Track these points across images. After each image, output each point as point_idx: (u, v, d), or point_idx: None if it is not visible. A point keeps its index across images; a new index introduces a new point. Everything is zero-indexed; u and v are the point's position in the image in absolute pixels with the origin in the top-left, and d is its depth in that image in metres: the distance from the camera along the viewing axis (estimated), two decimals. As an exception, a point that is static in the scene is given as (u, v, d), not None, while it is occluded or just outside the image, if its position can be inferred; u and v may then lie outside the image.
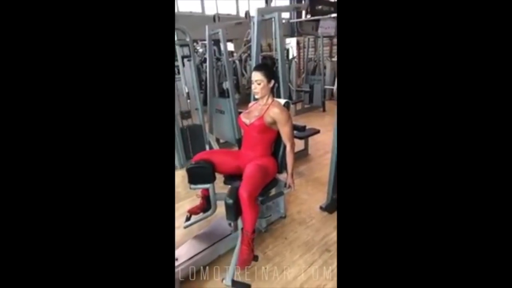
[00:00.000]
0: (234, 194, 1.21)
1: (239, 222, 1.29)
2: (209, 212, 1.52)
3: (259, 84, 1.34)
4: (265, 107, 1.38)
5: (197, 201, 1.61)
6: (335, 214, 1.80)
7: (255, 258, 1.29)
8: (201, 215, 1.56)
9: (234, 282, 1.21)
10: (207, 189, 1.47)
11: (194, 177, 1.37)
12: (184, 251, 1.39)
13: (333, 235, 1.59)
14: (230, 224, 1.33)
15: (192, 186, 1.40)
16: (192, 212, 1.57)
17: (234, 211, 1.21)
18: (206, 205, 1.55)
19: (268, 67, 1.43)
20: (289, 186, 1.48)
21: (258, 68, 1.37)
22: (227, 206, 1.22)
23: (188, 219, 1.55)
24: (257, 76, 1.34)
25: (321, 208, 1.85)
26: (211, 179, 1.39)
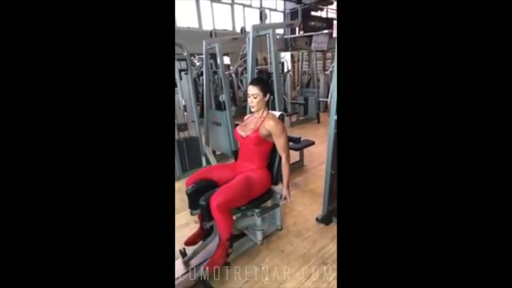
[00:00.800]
0: (207, 198, 1.24)
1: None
2: (210, 237, 1.36)
3: (255, 98, 1.38)
4: (260, 120, 1.41)
5: (194, 227, 1.53)
6: (331, 226, 1.80)
7: (226, 264, 1.35)
8: (200, 243, 1.41)
9: (201, 281, 1.27)
10: None
11: (197, 200, 1.26)
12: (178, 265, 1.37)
13: (330, 247, 1.59)
14: (205, 225, 1.29)
15: (194, 211, 1.33)
16: (189, 243, 1.44)
17: (207, 214, 1.25)
18: (205, 231, 1.41)
19: (264, 81, 1.47)
20: (285, 198, 1.48)
21: (254, 82, 1.41)
22: (200, 207, 1.26)
23: (183, 254, 1.40)
24: (253, 90, 1.38)
25: (317, 219, 1.84)
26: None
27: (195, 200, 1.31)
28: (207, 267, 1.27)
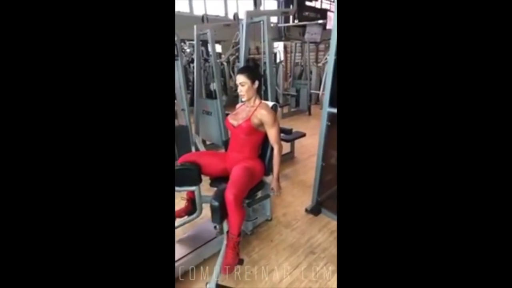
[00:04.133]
0: (220, 196, 1.19)
1: (225, 225, 1.28)
2: (194, 215, 1.48)
3: (243, 85, 1.36)
4: (252, 109, 1.39)
5: (182, 204, 1.58)
6: (320, 217, 1.83)
7: (240, 262, 1.28)
8: (185, 218, 1.51)
9: (218, 286, 1.19)
10: (192, 192, 1.44)
11: (180, 179, 1.33)
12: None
13: (318, 237, 1.62)
14: (215, 227, 1.30)
15: (177, 188, 1.37)
16: (176, 215, 1.52)
17: (220, 213, 1.20)
18: (191, 207, 1.51)
19: (250, 68, 1.45)
20: (275, 189, 1.47)
21: (241, 70, 1.39)
22: (213, 208, 1.20)
23: None
24: (240, 78, 1.36)
25: (306, 210, 1.87)
26: (197, 181, 1.37)
27: (177, 178, 1.31)
28: (224, 271, 1.21)
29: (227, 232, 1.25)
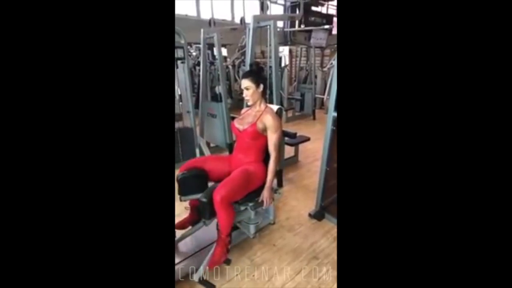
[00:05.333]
0: (209, 194, 1.22)
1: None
2: (200, 224, 1.44)
3: (248, 89, 1.37)
4: (258, 114, 1.39)
5: (183, 214, 1.57)
6: (323, 222, 1.81)
7: (227, 262, 1.32)
8: (189, 228, 1.48)
9: (201, 281, 1.24)
10: (197, 199, 1.42)
11: (187, 187, 1.31)
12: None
13: (321, 243, 1.60)
14: (204, 222, 1.30)
15: (183, 197, 1.34)
16: (179, 227, 1.49)
17: (208, 210, 1.22)
18: (196, 217, 1.49)
19: (254, 72, 1.45)
20: (266, 199, 1.37)
21: (245, 75, 1.41)
22: (202, 204, 1.23)
23: None
24: (245, 83, 1.37)
25: (309, 215, 1.85)
26: (205, 188, 1.35)
27: (184, 186, 1.32)
28: (208, 266, 1.25)
29: (218, 229, 1.28)
